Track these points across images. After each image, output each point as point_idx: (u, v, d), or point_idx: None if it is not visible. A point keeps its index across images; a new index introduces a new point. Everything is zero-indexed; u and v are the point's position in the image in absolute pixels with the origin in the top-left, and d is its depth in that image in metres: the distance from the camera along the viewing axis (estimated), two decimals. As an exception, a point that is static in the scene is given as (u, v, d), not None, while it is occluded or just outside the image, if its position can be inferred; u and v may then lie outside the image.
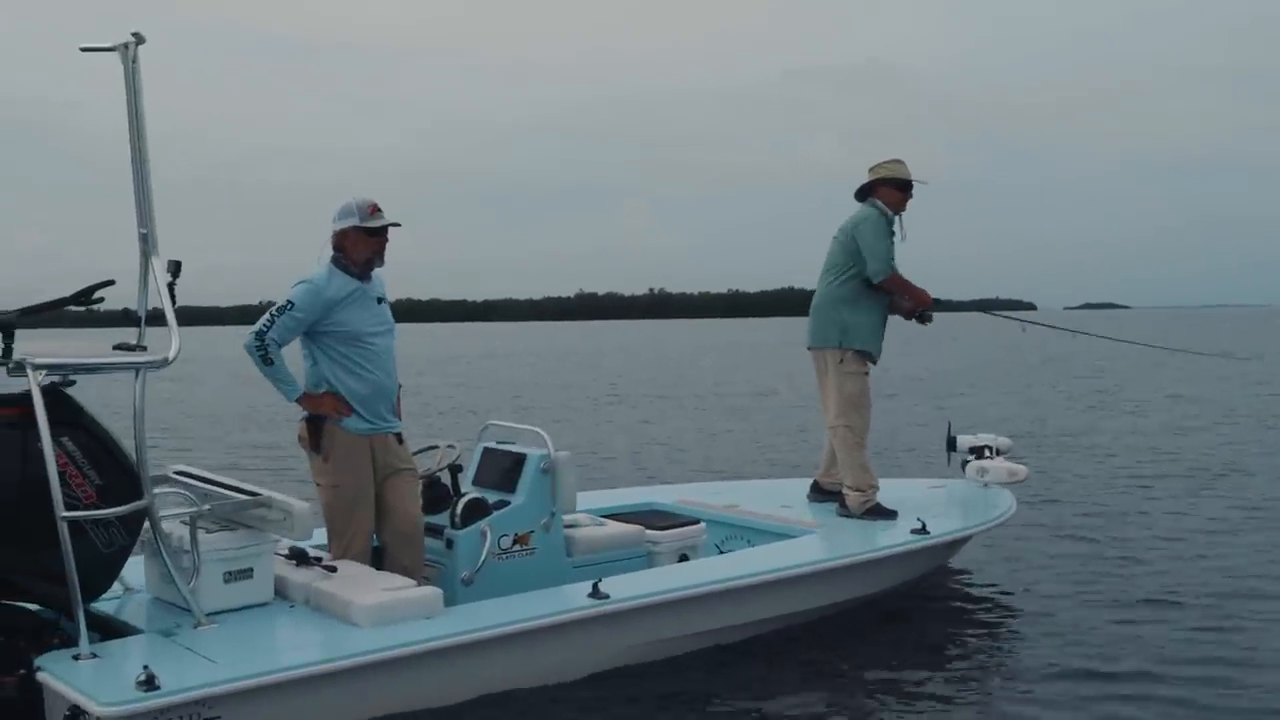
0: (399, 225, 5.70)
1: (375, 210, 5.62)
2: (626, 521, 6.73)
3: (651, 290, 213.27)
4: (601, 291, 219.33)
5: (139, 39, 4.86)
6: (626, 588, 5.63)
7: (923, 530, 6.67)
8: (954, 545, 7.22)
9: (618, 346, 57.50)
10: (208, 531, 5.15)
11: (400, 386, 5.94)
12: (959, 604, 7.04)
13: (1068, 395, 22.83)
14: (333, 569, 5.40)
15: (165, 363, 4.85)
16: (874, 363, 7.32)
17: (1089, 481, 11.55)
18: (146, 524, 4.96)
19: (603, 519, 6.69)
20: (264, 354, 5.42)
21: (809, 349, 7.43)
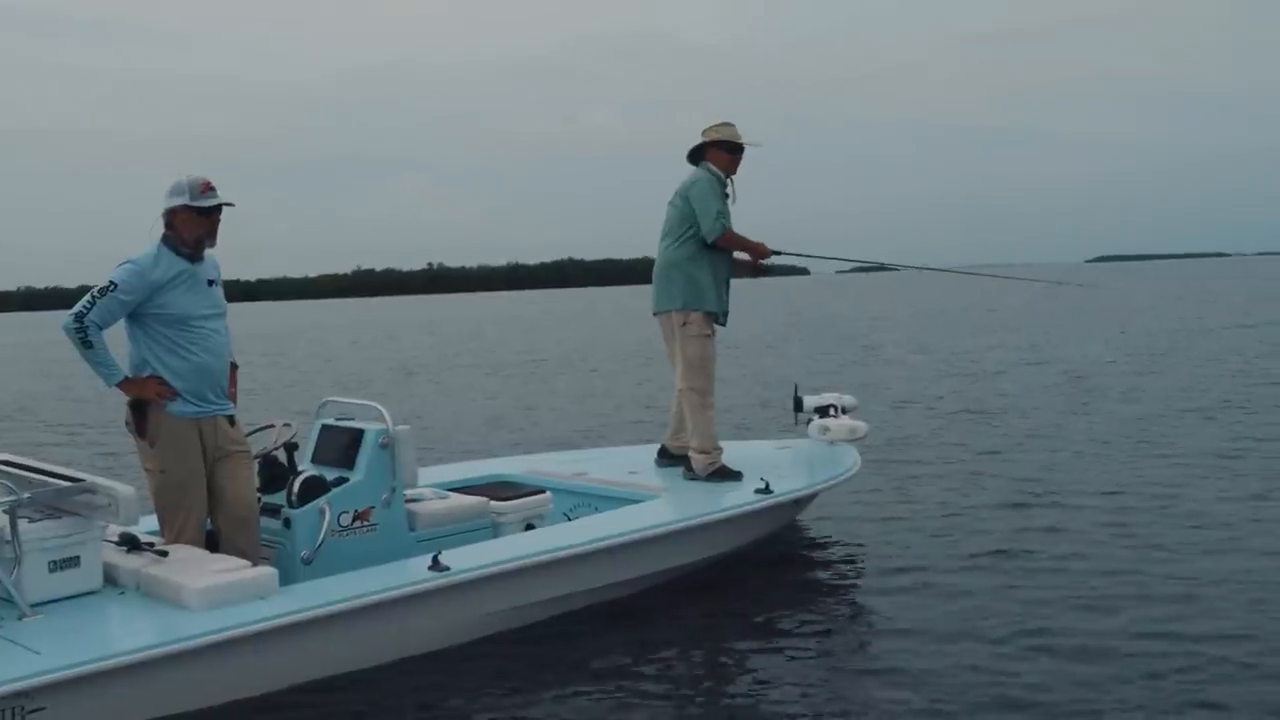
0: (232, 205, 5.56)
1: (208, 188, 5.46)
2: (473, 494, 6.70)
3: (430, 265, 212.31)
4: (379, 267, 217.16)
5: None
6: (468, 559, 5.61)
7: (767, 490, 6.77)
8: (800, 503, 7.34)
9: (416, 322, 56.85)
10: (31, 520, 4.99)
11: (236, 368, 5.83)
12: (807, 563, 7.16)
13: (858, 353, 23.80)
14: (164, 553, 5.28)
15: None
16: (721, 324, 7.39)
17: (927, 437, 11.87)
18: None
19: (446, 493, 6.65)
20: (83, 336, 5.26)
21: (655, 314, 7.48)
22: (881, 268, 10.80)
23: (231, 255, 5.44)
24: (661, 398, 15.57)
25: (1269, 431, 11.25)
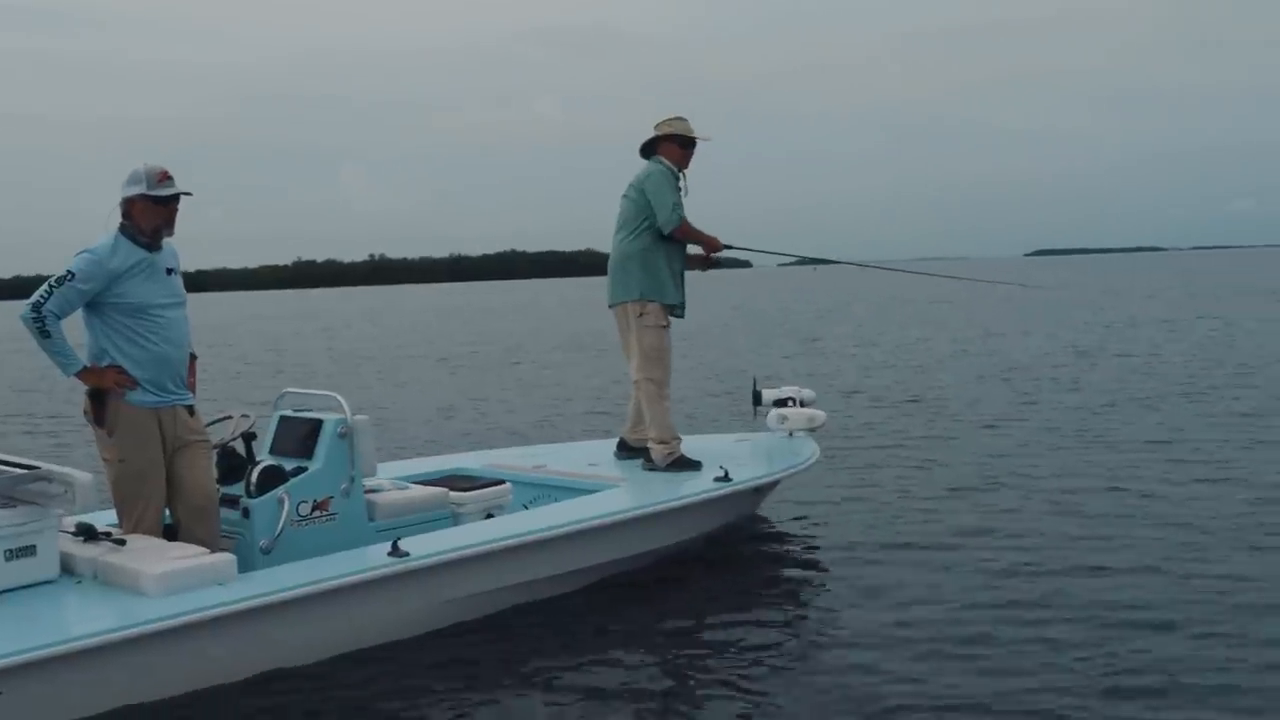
0: (190, 194, 5.56)
1: (165, 178, 5.46)
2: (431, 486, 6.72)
3: (372, 256, 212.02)
4: (320, 259, 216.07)
5: None
6: (426, 545, 5.63)
7: (726, 478, 6.82)
8: (760, 492, 7.40)
9: (359, 314, 56.85)
10: (-14, 509, 4.97)
11: (195, 358, 5.82)
12: (765, 555, 7.22)
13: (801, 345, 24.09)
14: (122, 542, 5.26)
15: None
16: (678, 316, 7.46)
17: (879, 426, 12.10)
18: None
19: (406, 484, 6.66)
20: (41, 326, 5.24)
21: (610, 306, 7.52)
22: (823, 262, 10.93)
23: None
24: (612, 390, 15.74)
25: (1207, 419, 11.72)
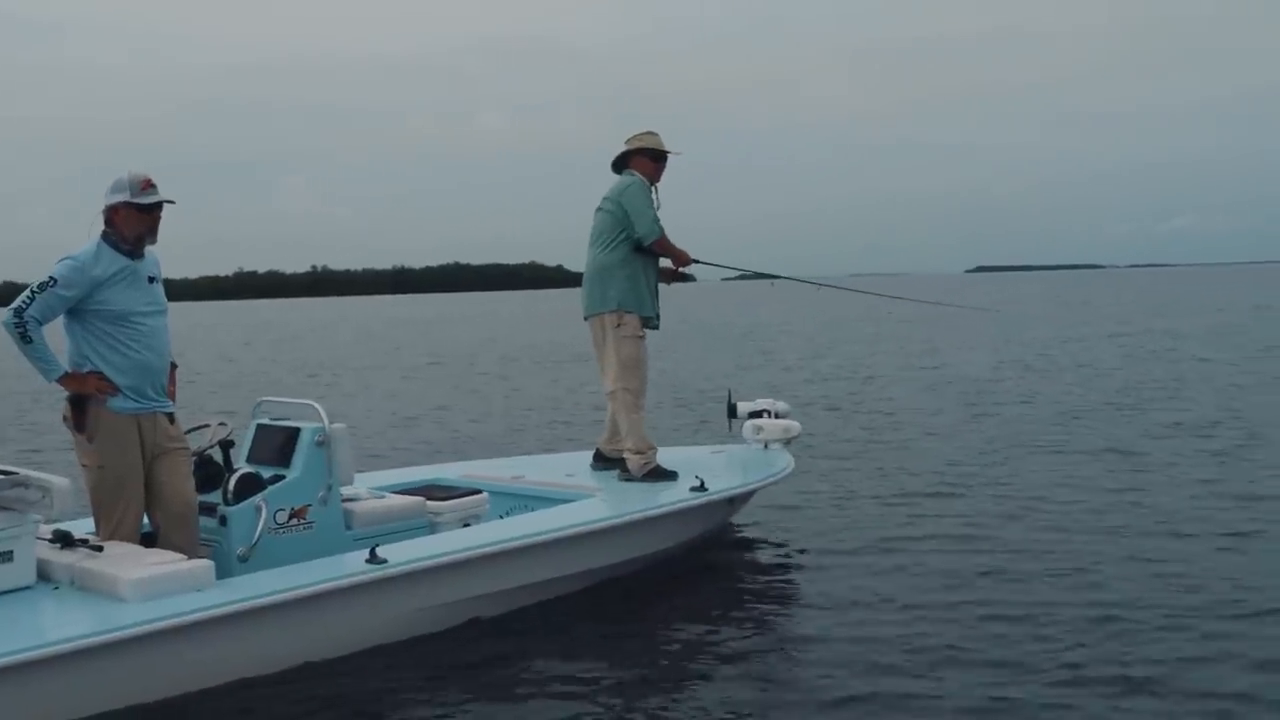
0: (173, 202, 5.60)
1: (148, 185, 5.50)
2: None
3: (314, 268, 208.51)
4: (262, 270, 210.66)
5: None
6: (405, 553, 5.65)
7: (701, 488, 6.87)
8: (735, 503, 7.45)
9: (304, 325, 56.71)
10: (-40, 516, 4.97)
11: (175, 367, 5.84)
12: (742, 561, 7.32)
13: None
14: (99, 549, 5.27)
15: None
16: (653, 327, 7.52)
17: (846, 437, 12.34)
18: None
19: (383, 493, 6.68)
20: (22, 332, 5.26)
21: (586, 318, 7.57)
22: (771, 278, 10.90)
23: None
24: (568, 401, 15.72)
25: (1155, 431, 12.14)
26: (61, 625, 4.74)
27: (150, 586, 4.91)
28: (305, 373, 25.02)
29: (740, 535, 7.81)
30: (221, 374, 25.32)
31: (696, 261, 7.66)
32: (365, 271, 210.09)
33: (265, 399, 6.58)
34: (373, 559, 5.47)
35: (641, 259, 7.41)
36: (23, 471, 5.12)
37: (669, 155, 7.58)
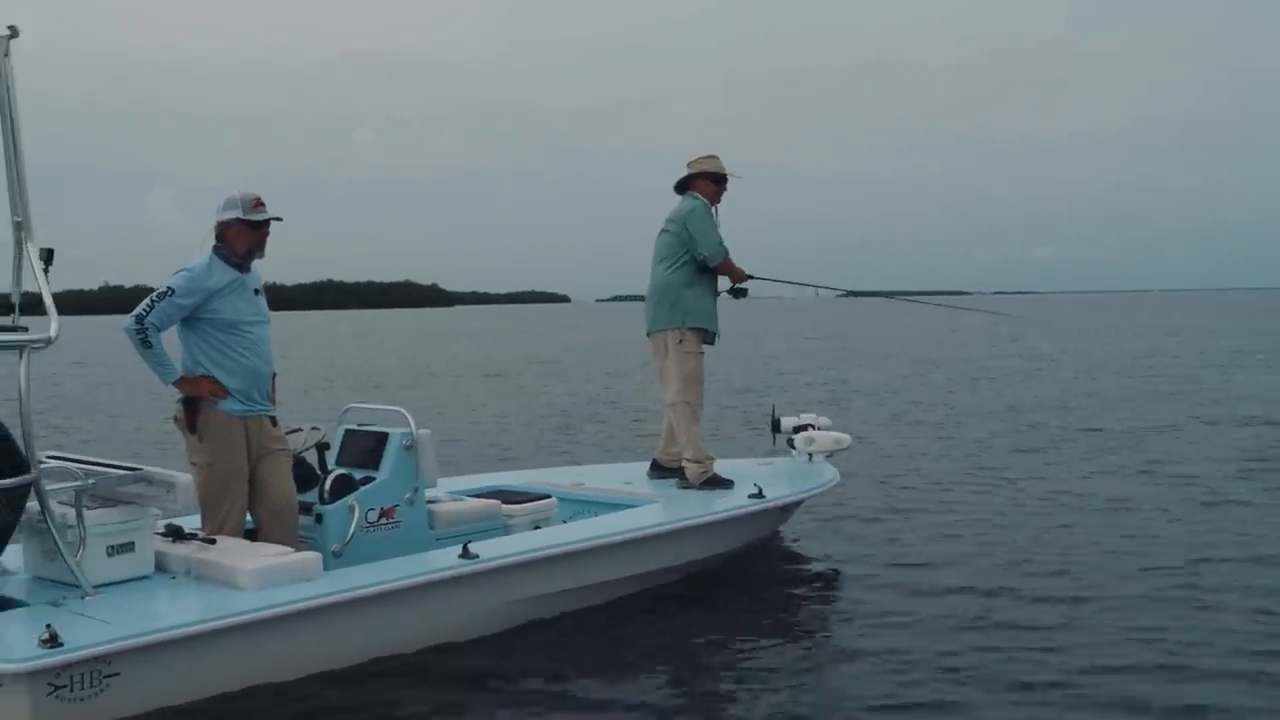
0: (280, 220, 5.98)
1: (259, 204, 5.89)
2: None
3: None
4: (129, 284, 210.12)
5: (13, 32, 5.03)
6: (493, 549, 6.01)
7: (759, 495, 7.22)
8: (786, 510, 7.80)
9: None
10: (88, 508, 5.29)
11: (275, 374, 6.19)
12: (783, 574, 7.52)
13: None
14: (211, 541, 5.62)
15: (49, 342, 5.03)
16: (711, 343, 7.87)
17: (899, 458, 12.44)
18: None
19: (461, 495, 7.04)
20: (143, 337, 5.63)
21: (649, 334, 7.92)
22: (817, 288, 10.97)
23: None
24: (515, 418, 15.82)
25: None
26: (188, 609, 5.08)
27: (266, 576, 5.26)
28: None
29: (781, 546, 8.12)
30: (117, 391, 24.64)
31: (752, 277, 8.01)
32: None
33: (352, 405, 6.94)
34: (465, 555, 5.82)
35: (703, 278, 7.77)
36: (146, 468, 5.47)
37: (729, 178, 7.94)
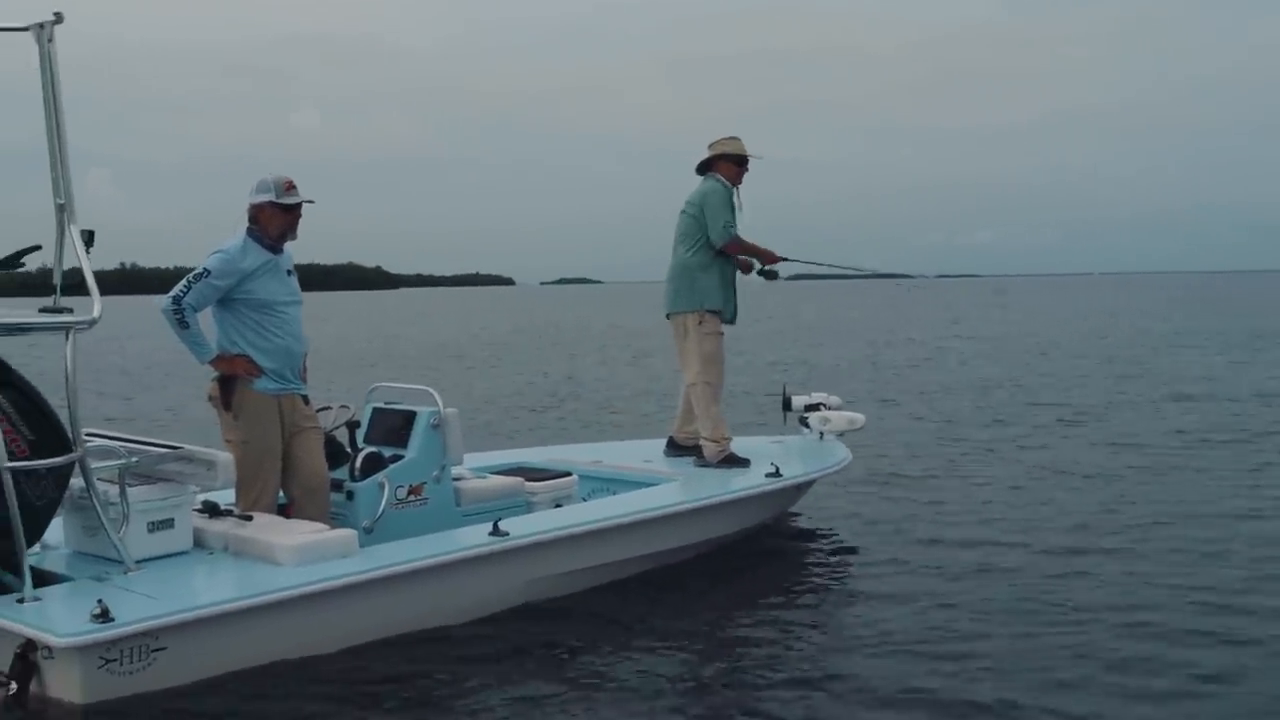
0: (313, 202, 6.07)
1: (291, 187, 5.99)
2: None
3: (123, 265, 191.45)
4: (65, 266, 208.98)
5: (58, 18, 5.10)
6: (521, 527, 6.13)
7: (776, 474, 7.35)
8: (801, 489, 7.93)
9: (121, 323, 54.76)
10: (129, 486, 5.40)
11: (306, 353, 6.28)
12: (794, 551, 7.65)
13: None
14: (248, 518, 5.74)
15: (93, 323, 5.13)
16: (730, 323, 7.97)
17: (910, 436, 12.64)
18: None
19: (485, 473, 7.15)
20: (180, 317, 5.74)
21: (668, 316, 8.02)
22: (855, 275, 11.02)
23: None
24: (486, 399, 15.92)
25: None
26: (230, 585, 5.20)
27: (304, 553, 5.38)
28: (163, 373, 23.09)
29: (792, 524, 8.23)
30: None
31: (784, 259, 8.09)
32: (178, 269, 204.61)
33: (379, 384, 7.05)
34: (495, 532, 5.93)
35: (722, 260, 7.86)
36: (187, 447, 5.58)
37: (750, 159, 8.02)
